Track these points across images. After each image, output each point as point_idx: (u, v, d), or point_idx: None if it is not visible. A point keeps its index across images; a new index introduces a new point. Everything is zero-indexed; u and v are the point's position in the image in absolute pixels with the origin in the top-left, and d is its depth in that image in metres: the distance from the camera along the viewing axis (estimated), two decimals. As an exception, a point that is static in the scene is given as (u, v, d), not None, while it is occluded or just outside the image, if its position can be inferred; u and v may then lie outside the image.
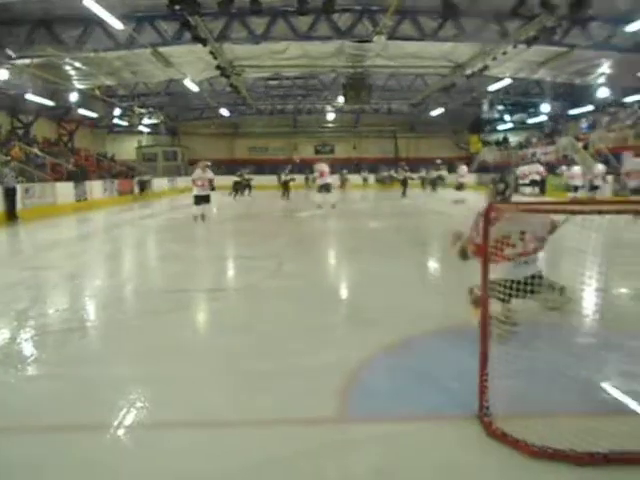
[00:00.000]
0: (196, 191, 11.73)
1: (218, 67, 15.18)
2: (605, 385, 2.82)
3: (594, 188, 14.86)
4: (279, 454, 2.28)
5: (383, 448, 2.32)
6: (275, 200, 19.24)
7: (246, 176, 22.06)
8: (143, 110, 24.90)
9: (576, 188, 15.43)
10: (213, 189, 12.04)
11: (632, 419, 2.46)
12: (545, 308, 3.40)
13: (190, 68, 16.43)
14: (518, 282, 3.25)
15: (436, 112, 26.91)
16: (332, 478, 2.15)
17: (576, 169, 16.14)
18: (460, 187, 17.93)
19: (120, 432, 2.49)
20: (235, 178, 21.19)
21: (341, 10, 12.42)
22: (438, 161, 23.65)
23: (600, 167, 15.45)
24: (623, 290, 5.12)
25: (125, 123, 27.27)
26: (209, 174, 11.90)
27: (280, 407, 2.71)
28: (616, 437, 2.18)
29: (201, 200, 11.66)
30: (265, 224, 12.82)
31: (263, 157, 33.03)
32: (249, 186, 22.13)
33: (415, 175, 23.85)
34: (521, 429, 2.28)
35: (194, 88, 18.98)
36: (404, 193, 21.01)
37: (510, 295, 3.25)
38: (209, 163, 12.25)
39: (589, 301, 4.37)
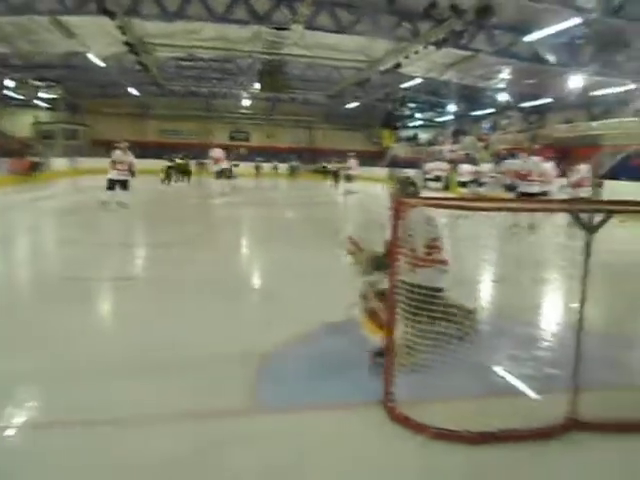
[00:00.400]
0: (112, 174, 10.46)
1: (126, 43, 14.26)
2: (497, 369, 3.05)
3: (481, 185, 15.91)
4: (184, 448, 2.22)
5: (290, 438, 2.34)
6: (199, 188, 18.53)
7: (178, 161, 21.16)
8: (40, 83, 22.81)
9: (464, 184, 16.38)
10: (133, 175, 10.80)
11: (519, 399, 2.69)
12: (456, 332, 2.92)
13: (95, 41, 15.31)
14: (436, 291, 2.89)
15: (351, 105, 27.42)
16: (237, 471, 2.13)
17: (464, 167, 17.06)
18: (349, 179, 18.62)
19: (7, 432, 2.29)
20: (167, 163, 20.15)
21: (259, -6, 12.20)
22: (351, 154, 24.13)
23: (488, 166, 16.52)
24: (515, 280, 5.57)
25: (19, 96, 24.82)
26: (130, 157, 10.78)
27: (186, 400, 2.63)
28: (505, 417, 2.37)
29: (116, 185, 10.44)
30: (178, 211, 12.36)
31: (176, 140, 31.71)
32: (187, 172, 21.17)
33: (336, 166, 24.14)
34: (423, 413, 2.41)
35: (99, 63, 17.73)
36: (336, 184, 21.20)
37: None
38: (128, 144, 11.06)
39: (485, 292, 4.71)
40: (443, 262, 3.12)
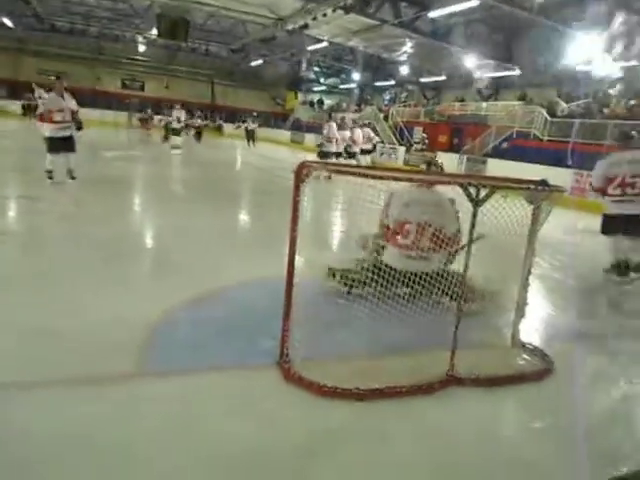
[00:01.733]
0: (49, 131, 7.06)
1: (-1, -37, 12.45)
2: (385, 329, 3.22)
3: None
4: (73, 416, 2.09)
5: (181, 401, 2.30)
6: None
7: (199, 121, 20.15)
8: None
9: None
10: (80, 128, 7.39)
11: (404, 358, 2.87)
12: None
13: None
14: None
15: (255, 63, 26.63)
16: (127, 436, 2.06)
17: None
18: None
19: None
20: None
21: None
22: (254, 113, 23.60)
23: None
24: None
25: None
26: (71, 102, 7.32)
27: (74, 366, 2.47)
28: (391, 374, 2.53)
29: (61, 145, 7.15)
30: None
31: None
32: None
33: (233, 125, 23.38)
34: (316, 372, 2.49)
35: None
36: (252, 143, 20.66)
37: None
38: (64, 82, 7.56)
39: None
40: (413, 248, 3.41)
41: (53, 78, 8.51)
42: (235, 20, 19.89)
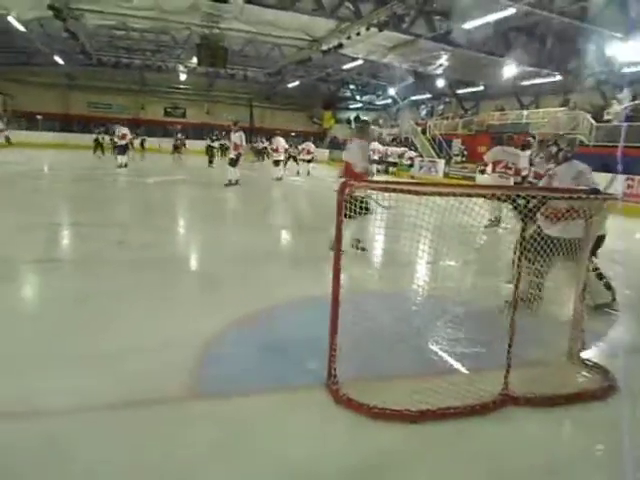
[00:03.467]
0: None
1: (51, 7, 13.22)
2: (433, 348, 3.15)
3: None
4: (127, 437, 2.13)
5: (232, 423, 2.30)
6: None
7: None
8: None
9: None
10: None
11: (454, 377, 2.78)
12: None
13: (15, 3, 14.09)
14: None
15: (292, 85, 27.10)
16: (181, 457, 2.07)
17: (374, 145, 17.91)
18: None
19: None
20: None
21: (197, -36, 11.66)
22: (292, 134, 24.00)
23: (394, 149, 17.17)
24: (451, 263, 5.76)
25: None
26: None
27: (126, 388, 2.52)
28: (442, 395, 2.45)
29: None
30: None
31: (105, 115, 30.04)
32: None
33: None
34: (364, 393, 2.44)
35: (20, 28, 16.35)
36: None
37: None
38: None
39: (421, 272, 4.83)
40: None
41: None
42: (271, 45, 20.37)
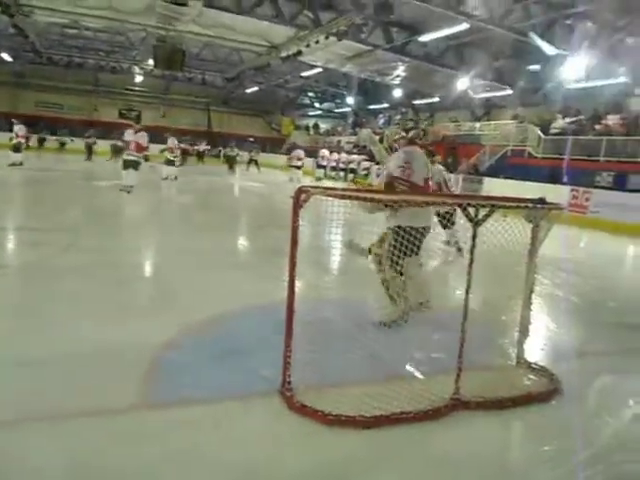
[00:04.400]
0: None
1: (-2, 1, 12.70)
2: (386, 354, 3.18)
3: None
4: (67, 450, 2.03)
5: (185, 432, 2.24)
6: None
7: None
8: None
9: None
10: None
11: (408, 383, 2.81)
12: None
13: (-42, -4, 13.40)
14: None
15: (250, 90, 26.98)
16: (132, 467, 2.00)
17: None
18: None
19: None
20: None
21: (154, -35, 11.47)
22: (251, 139, 23.90)
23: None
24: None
25: None
26: None
27: (74, 398, 2.41)
28: (396, 400, 2.48)
29: None
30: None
31: (55, 115, 28.93)
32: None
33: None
34: (319, 400, 2.43)
35: (-37, 21, 15.60)
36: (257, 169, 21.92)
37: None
38: None
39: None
40: None
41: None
42: (230, 49, 20.25)
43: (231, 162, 22.39)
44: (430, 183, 3.97)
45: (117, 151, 21.39)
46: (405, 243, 3.31)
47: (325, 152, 23.20)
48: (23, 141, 15.98)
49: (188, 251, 5.91)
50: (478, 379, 2.72)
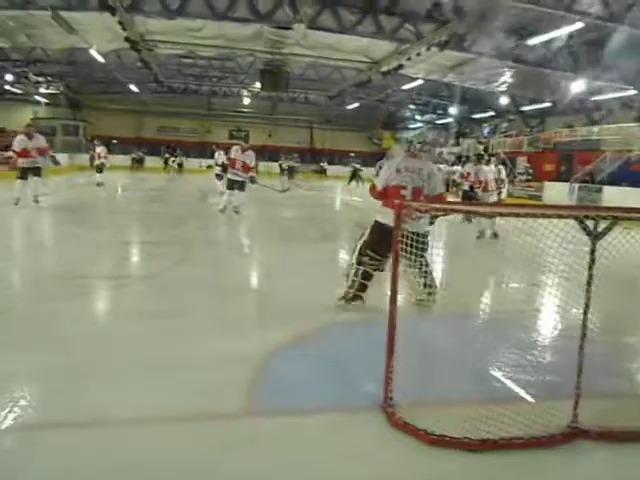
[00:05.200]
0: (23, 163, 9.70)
1: (127, 39, 14.20)
2: (496, 374, 3.02)
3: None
4: (183, 453, 2.18)
5: (288, 441, 2.31)
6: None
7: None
8: (40, 78, 22.73)
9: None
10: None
11: (518, 406, 2.65)
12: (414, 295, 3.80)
13: (96, 37, 15.21)
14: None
15: (352, 106, 27.39)
16: (235, 475, 2.09)
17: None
18: None
19: (10, 432, 2.25)
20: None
21: (262, -7, 12.19)
22: (352, 154, 24.20)
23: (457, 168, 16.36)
24: (514, 285, 5.54)
25: (18, 91, 24.76)
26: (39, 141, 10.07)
27: (185, 402, 2.60)
28: (504, 423, 2.34)
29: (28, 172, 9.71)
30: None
31: (173, 138, 31.69)
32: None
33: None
34: (421, 417, 2.37)
35: (100, 59, 17.67)
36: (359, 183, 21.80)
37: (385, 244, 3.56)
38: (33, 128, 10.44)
39: (483, 295, 4.67)
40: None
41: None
42: (332, 68, 20.76)
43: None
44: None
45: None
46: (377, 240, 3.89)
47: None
48: (105, 161, 16.73)
49: (295, 263, 6.11)
50: (600, 406, 2.49)
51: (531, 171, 18.02)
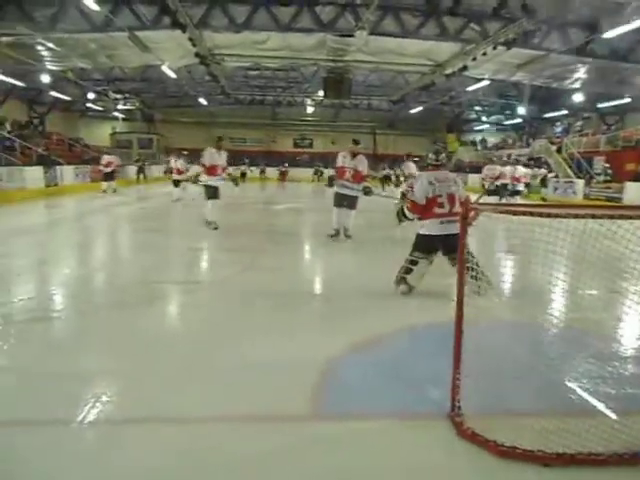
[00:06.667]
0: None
1: (197, 55, 14.88)
2: (572, 385, 2.86)
3: (515, 193, 14.29)
4: (250, 452, 2.25)
5: (354, 446, 2.30)
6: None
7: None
8: (118, 95, 24.30)
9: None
10: None
11: (597, 420, 2.49)
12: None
13: (168, 54, 16.07)
14: (438, 237, 4.47)
15: (415, 110, 27.05)
16: (302, 476, 2.12)
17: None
18: None
19: (85, 427, 2.41)
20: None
21: (324, 3, 12.34)
22: (416, 159, 23.84)
23: (522, 170, 14.84)
24: (592, 292, 5.22)
25: (99, 108, 26.59)
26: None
27: (253, 403, 2.66)
28: (581, 438, 2.21)
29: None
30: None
31: (241, 148, 32.72)
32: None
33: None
34: (491, 428, 2.29)
35: (172, 75, 18.61)
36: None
37: (433, 249, 4.58)
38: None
39: (558, 301, 4.44)
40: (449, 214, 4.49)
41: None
42: (394, 72, 20.62)
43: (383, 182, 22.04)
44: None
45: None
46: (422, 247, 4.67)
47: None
48: (179, 176, 14.53)
49: (354, 271, 6.11)
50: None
51: (610, 171, 16.92)
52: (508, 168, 14.60)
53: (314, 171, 29.44)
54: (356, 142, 8.15)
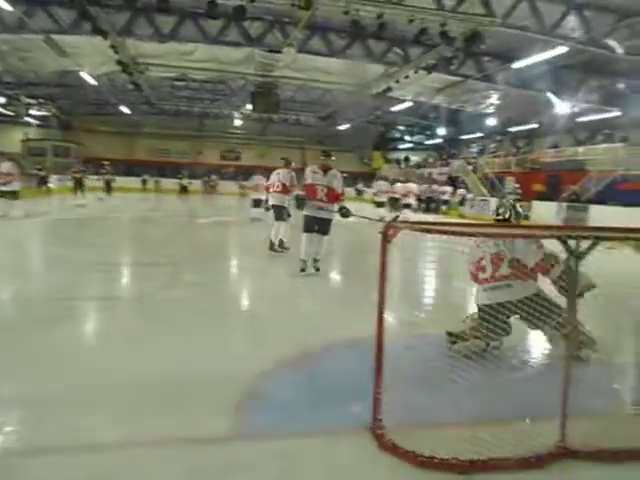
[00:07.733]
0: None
1: (119, 62, 14.38)
2: (485, 395, 3.01)
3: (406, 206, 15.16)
4: (166, 477, 2.15)
5: (275, 466, 2.28)
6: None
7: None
8: (31, 100, 22.83)
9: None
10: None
11: (506, 427, 2.64)
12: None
13: (88, 60, 15.40)
14: (490, 306, 3.51)
15: (343, 127, 27.72)
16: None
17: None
18: None
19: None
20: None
21: (252, 18, 12.42)
22: (344, 174, 24.36)
23: (412, 186, 15.96)
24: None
25: (9, 113, 24.81)
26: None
27: (170, 425, 2.56)
28: (493, 444, 2.33)
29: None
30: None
31: (166, 159, 31.81)
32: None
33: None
34: (411, 439, 2.36)
35: (92, 82, 17.81)
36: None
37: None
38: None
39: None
40: (492, 279, 3.61)
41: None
42: (322, 90, 21.06)
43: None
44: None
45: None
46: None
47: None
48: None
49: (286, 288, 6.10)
50: (588, 426, 2.48)
51: (519, 191, 18.23)
52: (399, 185, 15.49)
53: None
54: (327, 154, 6.89)
